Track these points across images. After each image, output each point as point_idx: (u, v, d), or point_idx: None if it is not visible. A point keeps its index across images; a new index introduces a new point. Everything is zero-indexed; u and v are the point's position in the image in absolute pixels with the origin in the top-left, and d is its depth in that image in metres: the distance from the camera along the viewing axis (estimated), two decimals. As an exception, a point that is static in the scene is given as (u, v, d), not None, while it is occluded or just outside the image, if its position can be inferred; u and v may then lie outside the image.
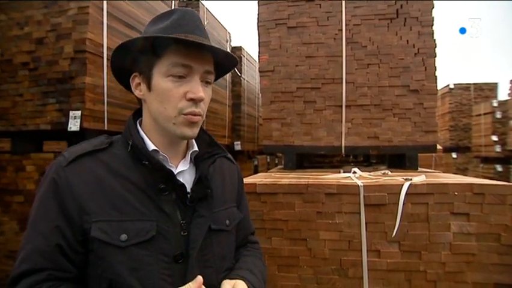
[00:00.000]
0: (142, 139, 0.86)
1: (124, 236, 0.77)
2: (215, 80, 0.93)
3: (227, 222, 0.94)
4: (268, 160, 7.69)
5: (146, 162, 0.82)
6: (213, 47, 0.83)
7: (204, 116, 0.88)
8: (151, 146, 0.86)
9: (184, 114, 0.82)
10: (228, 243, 0.95)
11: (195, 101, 0.82)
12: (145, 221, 0.79)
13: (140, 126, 0.90)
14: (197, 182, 0.87)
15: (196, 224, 0.84)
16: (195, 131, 0.86)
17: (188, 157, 0.92)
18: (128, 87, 0.93)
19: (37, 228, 0.77)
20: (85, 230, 0.77)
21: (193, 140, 0.94)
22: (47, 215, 0.77)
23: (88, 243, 0.77)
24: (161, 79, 0.82)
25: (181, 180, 0.86)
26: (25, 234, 0.79)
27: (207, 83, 0.87)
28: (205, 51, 0.84)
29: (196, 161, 0.93)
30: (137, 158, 0.83)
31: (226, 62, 0.93)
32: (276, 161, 7.79)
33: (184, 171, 0.90)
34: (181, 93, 0.81)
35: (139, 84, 0.87)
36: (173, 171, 0.86)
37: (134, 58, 0.86)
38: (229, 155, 1.08)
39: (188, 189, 0.87)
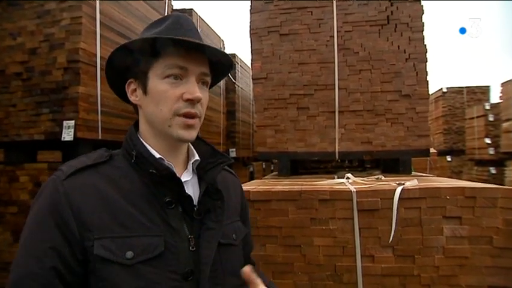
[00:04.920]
0: (146, 148, 0.83)
1: (130, 253, 0.72)
2: (213, 84, 0.92)
3: (234, 236, 0.90)
4: (264, 166, 7.69)
5: (154, 171, 0.78)
6: (208, 47, 0.82)
7: (202, 119, 0.85)
8: (157, 155, 0.82)
9: (180, 115, 0.80)
10: (237, 259, 0.90)
11: (192, 101, 0.80)
12: (151, 236, 0.75)
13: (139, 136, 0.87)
14: (204, 193, 0.84)
15: (206, 238, 0.80)
16: (193, 133, 0.83)
17: (190, 167, 0.89)
18: (122, 97, 0.91)
19: (30, 250, 0.71)
20: (86, 248, 0.72)
21: (194, 150, 0.91)
22: (42, 235, 0.71)
23: (88, 263, 0.72)
24: (157, 81, 0.80)
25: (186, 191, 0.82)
26: (17, 255, 0.72)
27: (203, 84, 0.85)
28: (200, 54, 0.83)
29: (199, 171, 0.89)
30: (142, 168, 0.80)
31: (221, 64, 0.91)
32: (272, 167, 7.79)
33: (187, 181, 0.86)
34: (177, 94, 0.80)
35: (135, 90, 0.86)
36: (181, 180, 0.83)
37: (129, 63, 0.85)
38: (231, 167, 1.04)
39: (194, 201, 0.83)
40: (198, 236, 0.80)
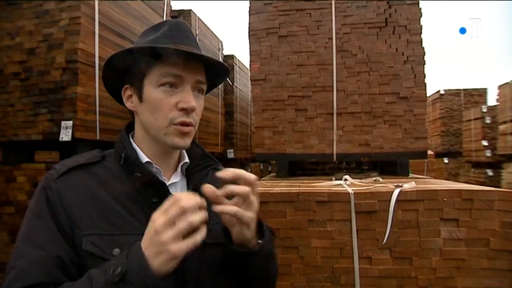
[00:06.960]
0: (135, 151, 0.85)
1: (116, 251, 0.74)
2: (208, 91, 0.93)
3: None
4: (262, 167, 7.69)
5: (139, 174, 0.80)
6: (203, 56, 0.82)
7: (197, 126, 0.87)
8: (145, 158, 0.84)
9: (175, 124, 0.81)
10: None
11: (187, 111, 0.81)
12: (138, 234, 0.74)
13: (132, 139, 0.89)
14: None
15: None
16: (187, 141, 0.84)
17: (179, 169, 0.91)
18: (120, 100, 0.92)
19: (32, 241, 0.74)
20: (76, 244, 0.75)
21: (185, 153, 0.93)
22: (43, 226, 0.75)
23: (79, 257, 0.75)
24: (152, 89, 0.81)
25: (173, 192, 0.83)
26: (15, 251, 0.74)
27: (199, 92, 0.86)
28: (196, 61, 0.83)
29: (188, 173, 0.91)
30: (130, 170, 0.82)
31: (217, 71, 0.92)
32: (270, 168, 7.79)
33: (175, 183, 0.89)
34: (172, 103, 0.80)
35: (131, 96, 0.87)
36: (166, 183, 0.85)
37: (125, 70, 0.86)
38: (222, 167, 1.06)
39: None
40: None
